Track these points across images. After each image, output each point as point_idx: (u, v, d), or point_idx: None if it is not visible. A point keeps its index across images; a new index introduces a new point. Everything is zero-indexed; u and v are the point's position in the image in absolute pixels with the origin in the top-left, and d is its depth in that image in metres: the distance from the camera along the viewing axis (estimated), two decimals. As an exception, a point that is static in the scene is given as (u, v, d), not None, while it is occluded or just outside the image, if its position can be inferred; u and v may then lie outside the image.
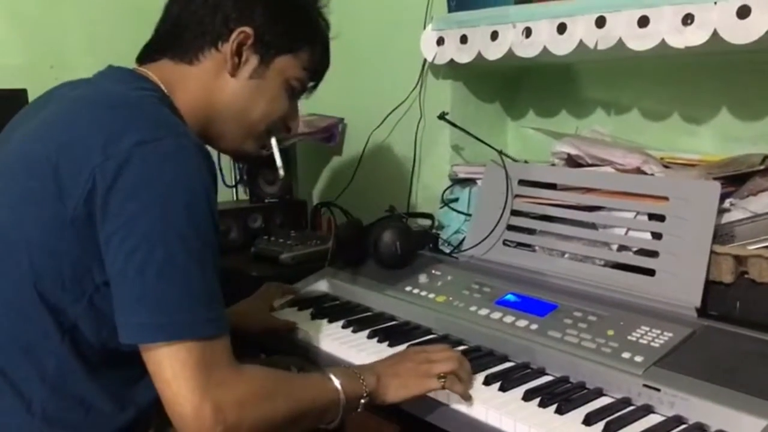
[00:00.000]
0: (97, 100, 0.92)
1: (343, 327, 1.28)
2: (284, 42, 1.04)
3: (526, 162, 1.51)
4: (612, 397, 1.00)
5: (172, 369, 0.81)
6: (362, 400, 0.97)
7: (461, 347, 1.18)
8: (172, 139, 0.86)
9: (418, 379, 1.00)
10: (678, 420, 0.92)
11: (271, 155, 1.16)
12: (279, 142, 1.15)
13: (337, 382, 0.95)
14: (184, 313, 0.82)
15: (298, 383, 0.95)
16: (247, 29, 1.01)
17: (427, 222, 1.62)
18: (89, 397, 0.89)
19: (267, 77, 1.04)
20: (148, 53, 1.05)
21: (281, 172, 1.19)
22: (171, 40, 1.03)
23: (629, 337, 1.07)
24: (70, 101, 0.94)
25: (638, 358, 1.01)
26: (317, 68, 1.11)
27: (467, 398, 0.99)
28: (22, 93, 1.61)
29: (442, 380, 0.99)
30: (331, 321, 1.31)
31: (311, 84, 1.12)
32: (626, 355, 1.03)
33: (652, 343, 1.04)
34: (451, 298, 1.30)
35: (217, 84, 1.02)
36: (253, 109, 1.05)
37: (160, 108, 0.93)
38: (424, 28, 1.61)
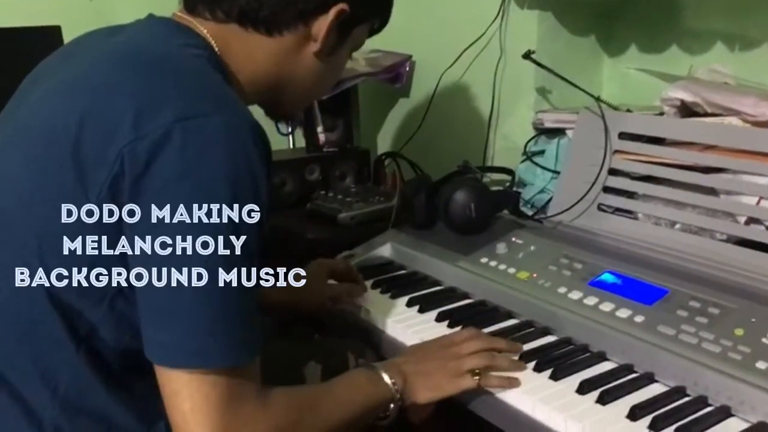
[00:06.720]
0: (130, 58, 0.78)
1: (408, 305, 1.14)
2: (367, 13, 0.95)
3: (628, 110, 1.33)
4: (745, 421, 0.81)
5: (192, 401, 0.72)
6: (392, 404, 0.90)
7: (547, 338, 1.01)
8: (220, 117, 0.72)
9: (450, 378, 0.93)
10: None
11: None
12: None
13: (386, 378, 0.89)
14: (217, 336, 0.72)
15: (327, 398, 0.87)
16: (344, 5, 0.88)
17: (506, 179, 1.47)
18: (110, 413, 0.79)
19: (341, 50, 0.95)
20: (208, 3, 0.86)
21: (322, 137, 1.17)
22: (247, 4, 0.86)
23: (764, 340, 0.87)
24: (99, 57, 0.80)
25: (779, 371, 0.81)
26: (380, 28, 1.02)
27: (513, 384, 0.91)
28: (55, 30, 1.52)
29: (477, 377, 0.92)
30: (394, 297, 1.17)
31: None
32: (762, 365, 0.83)
33: (796, 351, 0.84)
34: (535, 275, 1.12)
35: (293, 59, 0.91)
36: (324, 83, 1.01)
37: (208, 72, 0.79)
38: (508, -53, 1.45)
